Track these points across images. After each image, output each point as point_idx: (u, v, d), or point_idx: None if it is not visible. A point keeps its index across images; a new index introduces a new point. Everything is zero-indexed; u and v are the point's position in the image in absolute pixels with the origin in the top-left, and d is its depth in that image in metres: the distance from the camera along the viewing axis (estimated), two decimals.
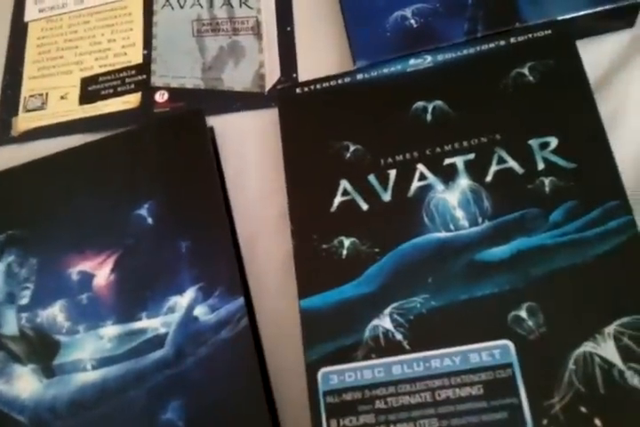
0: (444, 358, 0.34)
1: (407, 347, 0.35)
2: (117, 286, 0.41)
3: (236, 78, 0.49)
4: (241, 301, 0.39)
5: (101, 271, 0.42)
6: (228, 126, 0.47)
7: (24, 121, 0.51)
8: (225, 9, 0.51)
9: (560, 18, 0.42)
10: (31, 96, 0.52)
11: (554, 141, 0.38)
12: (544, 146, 0.38)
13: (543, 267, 0.35)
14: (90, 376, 0.39)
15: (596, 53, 0.42)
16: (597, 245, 0.35)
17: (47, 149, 0.48)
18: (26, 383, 0.40)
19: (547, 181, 0.37)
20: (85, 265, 0.42)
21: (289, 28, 0.50)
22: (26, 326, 0.41)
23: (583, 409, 0.32)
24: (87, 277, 0.42)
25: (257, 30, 0.50)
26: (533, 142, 0.38)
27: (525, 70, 0.40)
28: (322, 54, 0.48)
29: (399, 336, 0.35)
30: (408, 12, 0.45)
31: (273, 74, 0.49)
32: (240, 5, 0.51)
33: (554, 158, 0.38)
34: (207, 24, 0.51)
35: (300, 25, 0.50)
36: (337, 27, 0.48)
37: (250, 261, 0.42)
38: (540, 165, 0.38)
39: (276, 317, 0.40)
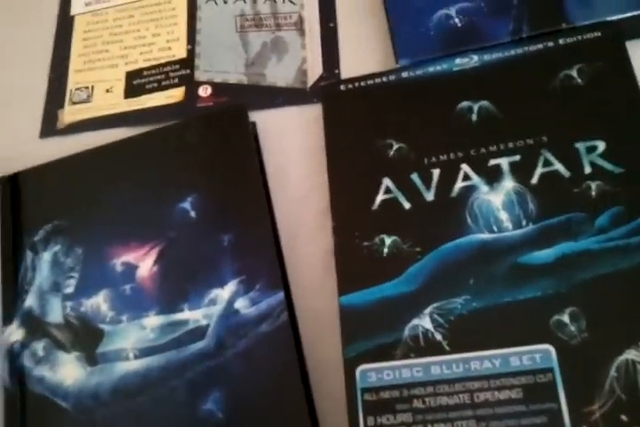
0: (483, 360, 0.34)
1: (447, 348, 0.35)
2: (160, 277, 0.42)
3: (279, 74, 0.49)
4: (281, 295, 0.39)
5: (144, 263, 0.42)
6: (270, 121, 0.48)
7: (70, 113, 0.52)
8: (268, 4, 0.52)
9: (609, 19, 0.41)
10: (77, 89, 0.53)
11: (601, 145, 0.38)
12: (591, 149, 0.38)
13: (587, 272, 0.35)
14: (132, 365, 0.40)
15: None
16: None
17: (92, 142, 0.49)
18: (69, 370, 0.41)
19: (593, 185, 0.37)
20: (129, 256, 0.43)
21: (332, 24, 0.50)
22: (70, 314, 0.42)
23: (624, 418, 0.31)
24: (131, 268, 0.43)
25: (300, 26, 0.50)
26: (580, 145, 0.38)
27: (574, 73, 0.40)
28: (364, 51, 0.48)
29: (439, 337, 0.35)
30: (452, 10, 0.45)
31: (315, 70, 0.49)
32: (283, 1, 0.51)
33: (601, 162, 0.37)
34: (251, 19, 0.52)
35: (343, 21, 0.50)
36: (380, 23, 0.48)
37: (290, 256, 0.43)
38: (587, 169, 0.37)
39: (314, 313, 0.40)
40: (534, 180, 0.38)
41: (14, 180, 0.49)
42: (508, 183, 0.38)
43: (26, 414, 0.41)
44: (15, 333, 0.43)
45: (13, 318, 0.43)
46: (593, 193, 0.37)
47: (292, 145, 0.47)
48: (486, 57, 0.42)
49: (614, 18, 0.41)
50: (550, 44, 0.42)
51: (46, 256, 0.45)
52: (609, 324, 0.34)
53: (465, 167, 0.39)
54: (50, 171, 0.48)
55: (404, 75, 0.44)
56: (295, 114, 0.48)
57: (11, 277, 0.45)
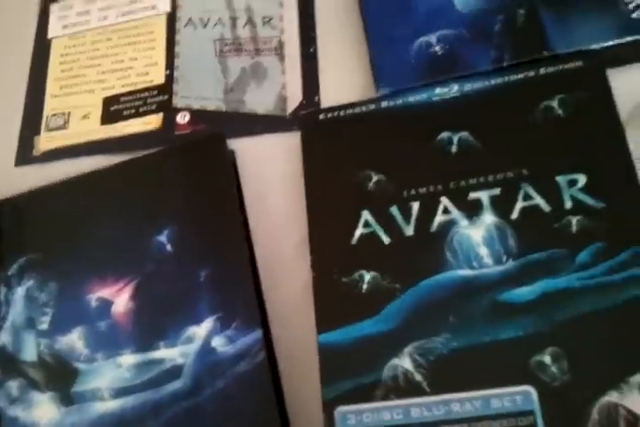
0: (464, 402, 0.34)
1: (427, 389, 0.34)
2: (136, 313, 0.41)
3: (258, 100, 0.48)
4: (259, 333, 0.38)
5: (120, 298, 0.42)
6: (250, 149, 0.47)
7: (46, 140, 0.51)
8: (248, 29, 0.51)
9: (591, 48, 0.41)
10: (53, 115, 0.52)
11: (582, 179, 0.37)
12: (572, 183, 0.37)
13: (569, 310, 0.34)
14: (108, 406, 0.39)
15: (628, 83, 0.41)
16: (625, 290, 0.34)
17: (69, 170, 0.48)
18: (44, 411, 0.40)
19: (574, 220, 0.36)
20: (104, 292, 0.42)
21: (312, 49, 0.50)
22: (44, 352, 0.42)
23: None
24: (106, 304, 0.42)
25: (279, 51, 0.50)
26: (561, 179, 0.37)
27: (554, 103, 0.39)
28: (345, 77, 0.48)
29: (419, 377, 0.35)
30: (433, 38, 0.44)
31: (295, 96, 0.48)
32: (263, 25, 0.51)
33: (582, 197, 0.37)
34: (230, 44, 0.51)
35: (323, 46, 0.50)
36: (360, 49, 0.47)
37: (269, 287, 0.42)
38: (568, 204, 0.37)
39: (293, 347, 0.40)
40: (514, 214, 0.37)
41: None
42: (488, 218, 0.38)
43: None
44: None
45: None
46: (574, 228, 0.36)
47: (271, 173, 0.46)
48: (467, 87, 0.42)
49: (596, 46, 0.41)
50: (531, 73, 0.41)
51: (20, 291, 0.44)
52: (590, 365, 0.33)
53: (444, 200, 0.39)
54: (25, 201, 0.47)
55: (384, 104, 0.43)
56: (275, 141, 0.47)
57: None
